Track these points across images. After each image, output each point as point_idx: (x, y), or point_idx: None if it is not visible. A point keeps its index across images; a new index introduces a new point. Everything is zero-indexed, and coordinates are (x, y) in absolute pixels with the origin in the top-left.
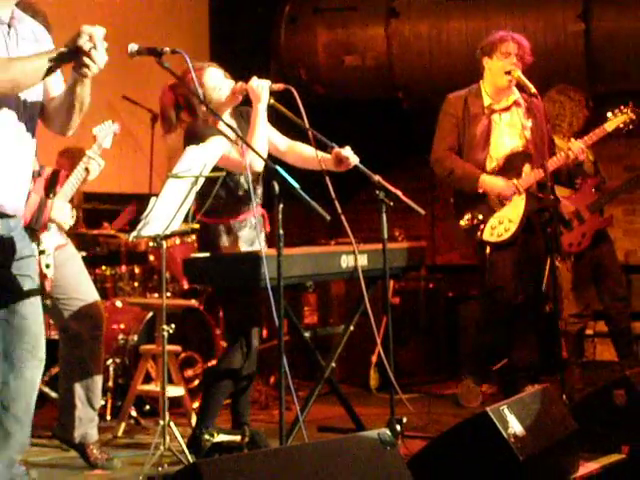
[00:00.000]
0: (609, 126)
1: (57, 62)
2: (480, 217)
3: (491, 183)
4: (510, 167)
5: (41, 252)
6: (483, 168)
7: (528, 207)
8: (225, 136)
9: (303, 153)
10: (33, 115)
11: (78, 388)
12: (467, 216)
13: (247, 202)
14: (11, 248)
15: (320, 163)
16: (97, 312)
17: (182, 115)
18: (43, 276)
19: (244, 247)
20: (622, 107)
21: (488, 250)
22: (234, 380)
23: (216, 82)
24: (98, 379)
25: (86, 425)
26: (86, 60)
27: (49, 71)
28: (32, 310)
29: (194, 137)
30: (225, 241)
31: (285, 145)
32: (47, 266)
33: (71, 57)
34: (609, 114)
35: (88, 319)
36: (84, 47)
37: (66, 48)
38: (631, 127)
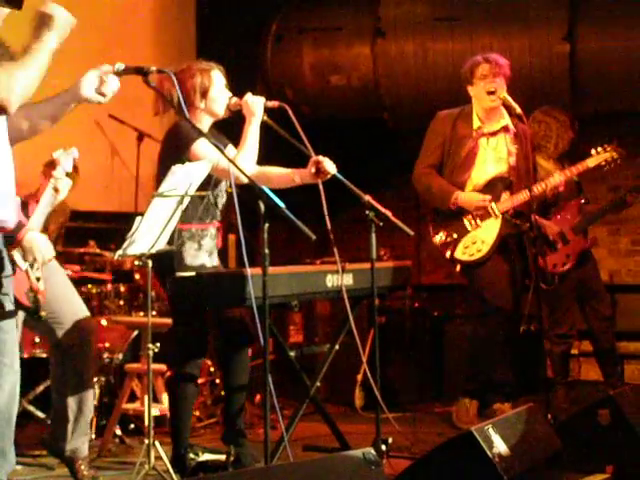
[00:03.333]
0: (591, 162)
1: (45, 44)
2: (455, 235)
3: (467, 198)
4: (489, 191)
5: (30, 265)
6: (463, 190)
7: (503, 231)
8: (211, 142)
9: (274, 174)
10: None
11: (70, 401)
12: (442, 234)
13: (210, 214)
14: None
15: (293, 179)
16: (87, 324)
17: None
18: (36, 289)
19: (204, 256)
20: (606, 146)
21: (458, 268)
22: (194, 386)
23: (219, 93)
24: (90, 392)
25: (77, 439)
26: (105, 89)
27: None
28: (11, 324)
29: (181, 137)
30: (189, 248)
31: (254, 171)
32: (38, 279)
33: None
34: (592, 150)
35: (79, 332)
36: (106, 78)
37: (44, 30)
38: (612, 166)
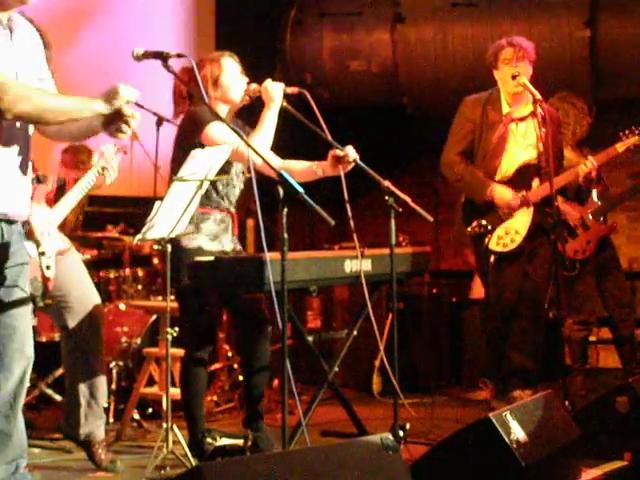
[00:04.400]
0: (620, 147)
1: (88, 112)
2: (488, 226)
3: (501, 193)
4: (520, 179)
5: (41, 254)
6: (493, 176)
7: (536, 220)
8: (229, 126)
9: (297, 169)
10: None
11: (82, 386)
12: (475, 223)
13: (215, 201)
14: (5, 255)
15: (315, 172)
16: (97, 310)
17: (194, 100)
18: (44, 277)
19: (205, 240)
20: (634, 128)
21: (492, 259)
22: (205, 370)
23: (232, 79)
24: (102, 376)
25: (92, 423)
26: (124, 128)
27: (76, 114)
28: (20, 310)
29: (196, 121)
30: (186, 229)
31: (278, 166)
32: (48, 267)
33: (109, 117)
34: (621, 134)
35: (88, 317)
36: (126, 114)
37: (102, 103)
38: None
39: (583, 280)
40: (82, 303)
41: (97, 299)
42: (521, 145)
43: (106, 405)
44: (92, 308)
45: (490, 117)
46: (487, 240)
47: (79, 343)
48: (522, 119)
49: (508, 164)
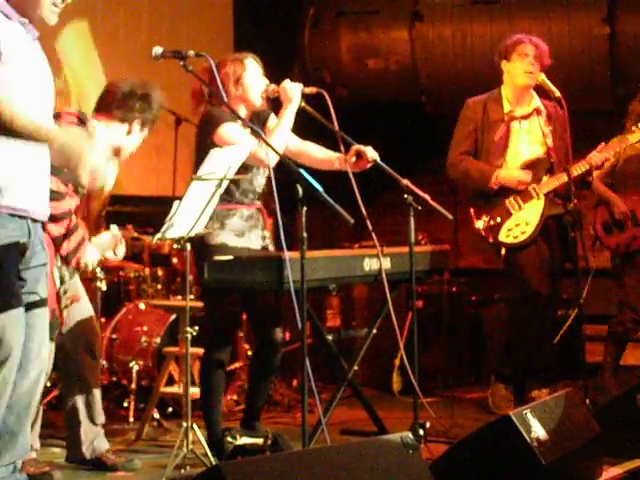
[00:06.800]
0: (633, 138)
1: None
2: (498, 219)
3: (507, 175)
4: None
5: (62, 282)
6: None
7: (546, 211)
8: (250, 127)
9: (315, 155)
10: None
11: (80, 405)
12: (485, 218)
13: (239, 197)
14: (31, 252)
15: (333, 164)
16: (92, 328)
17: (213, 99)
18: (60, 312)
19: (230, 236)
20: None
21: (503, 252)
22: (225, 369)
23: (254, 80)
24: (97, 395)
25: (92, 438)
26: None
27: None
28: (38, 320)
29: (210, 121)
30: (210, 226)
31: (296, 145)
32: (65, 306)
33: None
34: (634, 127)
35: (84, 335)
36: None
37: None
38: None
39: (631, 275)
40: (80, 321)
41: (92, 314)
42: (526, 142)
43: (103, 422)
44: (89, 325)
45: (491, 117)
46: (495, 232)
47: (77, 362)
48: (525, 117)
49: (513, 162)
